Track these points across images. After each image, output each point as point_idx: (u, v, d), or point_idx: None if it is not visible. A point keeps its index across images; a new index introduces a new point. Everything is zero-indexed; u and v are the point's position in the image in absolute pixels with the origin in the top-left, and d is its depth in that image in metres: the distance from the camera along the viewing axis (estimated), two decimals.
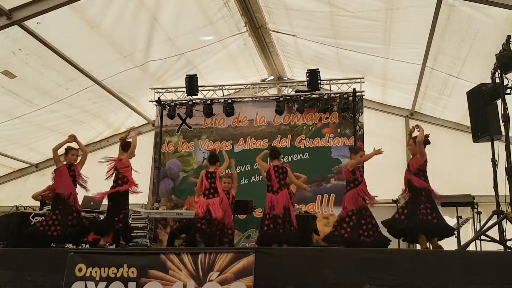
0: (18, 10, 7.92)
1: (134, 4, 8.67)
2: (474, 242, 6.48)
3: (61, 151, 7.31)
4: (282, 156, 9.94)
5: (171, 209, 10.13)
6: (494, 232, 6.23)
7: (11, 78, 9.41)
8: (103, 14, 8.63)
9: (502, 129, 6.43)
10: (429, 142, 6.37)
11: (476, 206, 7.76)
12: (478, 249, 6.80)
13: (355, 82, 10.17)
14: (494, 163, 6.49)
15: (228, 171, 7.88)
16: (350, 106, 10.16)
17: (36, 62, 9.20)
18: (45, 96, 10.27)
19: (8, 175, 13.33)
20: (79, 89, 10.42)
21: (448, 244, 8.84)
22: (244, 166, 10.33)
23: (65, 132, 11.82)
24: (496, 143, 6.61)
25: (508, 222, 6.10)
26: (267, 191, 7.09)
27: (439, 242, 6.10)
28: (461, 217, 8.14)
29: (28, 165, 13.19)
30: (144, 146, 12.33)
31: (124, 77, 10.54)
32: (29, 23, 8.22)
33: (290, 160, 10.21)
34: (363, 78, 10.14)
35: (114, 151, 8.12)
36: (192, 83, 10.47)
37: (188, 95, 10.65)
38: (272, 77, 12.71)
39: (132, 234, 8.50)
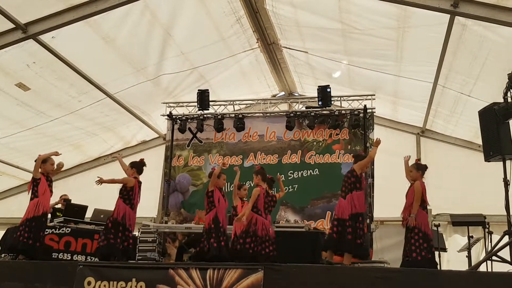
0: (34, 24, 8.06)
1: (148, 20, 8.78)
2: (485, 262, 6.42)
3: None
4: (292, 171, 10.18)
5: (180, 223, 10.12)
6: (505, 253, 6.18)
7: (25, 90, 9.51)
8: (118, 29, 8.74)
9: None
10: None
11: (487, 226, 7.69)
12: (489, 269, 6.73)
13: (366, 99, 10.16)
14: (506, 183, 6.44)
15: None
16: (360, 123, 10.13)
17: (50, 75, 9.31)
18: (58, 108, 10.37)
19: (19, 187, 13.35)
20: (92, 101, 10.51)
21: (459, 264, 8.80)
22: None
23: (77, 144, 11.98)
24: (508, 162, 6.56)
25: None
26: None
27: None
28: (472, 236, 8.07)
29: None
30: (155, 160, 12.41)
31: (136, 90, 10.62)
32: (44, 37, 8.33)
33: (300, 176, 10.20)
34: (374, 95, 10.11)
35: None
36: (203, 97, 10.52)
37: (199, 110, 10.69)
38: (283, 93, 12.76)
39: (141, 248, 8.57)
